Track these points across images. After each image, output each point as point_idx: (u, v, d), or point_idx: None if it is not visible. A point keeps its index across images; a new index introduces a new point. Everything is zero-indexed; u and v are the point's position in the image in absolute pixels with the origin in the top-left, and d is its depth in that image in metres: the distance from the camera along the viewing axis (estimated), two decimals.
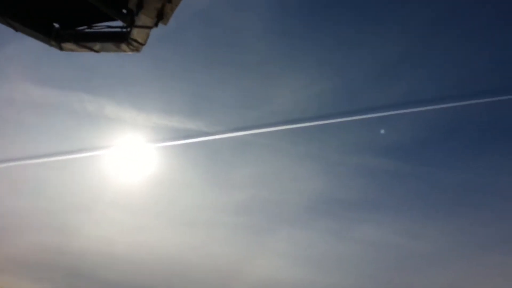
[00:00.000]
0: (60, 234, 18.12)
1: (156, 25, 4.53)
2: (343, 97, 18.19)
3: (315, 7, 17.71)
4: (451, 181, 16.04)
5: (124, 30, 5.00)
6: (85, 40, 5.23)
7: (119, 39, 5.03)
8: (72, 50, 5.36)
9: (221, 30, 17.09)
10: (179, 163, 18.93)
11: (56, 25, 5.33)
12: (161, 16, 4.46)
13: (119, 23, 4.99)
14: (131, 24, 4.78)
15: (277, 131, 18.28)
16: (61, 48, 5.31)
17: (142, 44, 4.96)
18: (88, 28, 5.29)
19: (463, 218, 15.34)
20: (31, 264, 17.93)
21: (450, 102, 16.07)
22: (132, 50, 5.10)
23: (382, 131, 16.57)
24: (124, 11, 4.78)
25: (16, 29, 5.05)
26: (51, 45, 5.34)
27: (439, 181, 16.21)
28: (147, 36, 4.86)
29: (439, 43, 17.17)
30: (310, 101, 18.29)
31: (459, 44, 17.02)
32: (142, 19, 4.57)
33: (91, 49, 5.21)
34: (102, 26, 5.21)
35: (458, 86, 16.61)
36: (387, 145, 17.30)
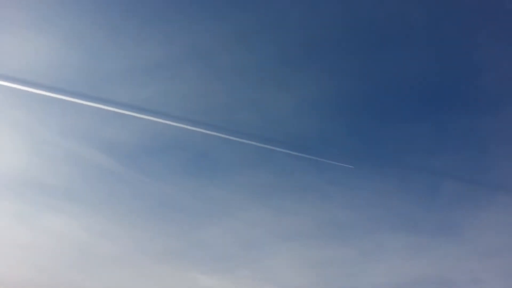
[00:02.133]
0: None
1: None
2: (94, 80, 16.86)
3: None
4: (154, 192, 16.99)
5: None
6: None
7: None
8: None
9: None
10: None
11: None
12: None
13: None
14: None
15: None
16: None
17: None
18: None
19: (151, 228, 16.38)
20: None
21: (180, 123, 17.21)
22: None
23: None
24: None
25: None
26: None
27: (143, 189, 16.93)
28: None
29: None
30: (55, 67, 16.13)
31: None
32: None
33: None
34: None
35: (195, 112, 18.02)
36: (109, 141, 16.84)
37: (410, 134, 19.88)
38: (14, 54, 16.23)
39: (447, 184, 19.30)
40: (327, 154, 18.80)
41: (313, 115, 19.81)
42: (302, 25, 19.44)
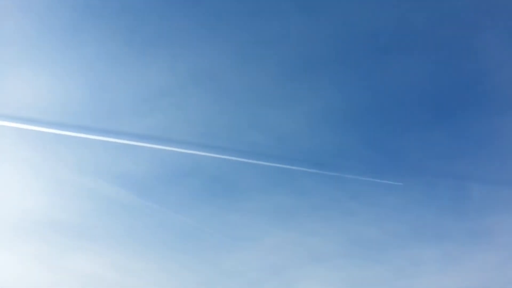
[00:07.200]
0: None
1: None
2: (100, 113, 16.60)
3: None
4: (173, 222, 16.62)
5: None
6: None
7: None
8: None
9: None
10: None
11: None
12: None
13: None
14: None
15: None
16: None
17: None
18: None
19: (176, 260, 16.00)
20: None
21: (191, 149, 16.90)
22: None
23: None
24: None
25: None
26: None
27: (161, 220, 16.53)
28: None
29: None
30: (56, 102, 15.92)
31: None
32: None
33: None
34: None
35: (205, 137, 17.67)
36: (122, 174, 16.45)
37: (427, 141, 19.43)
38: (14, 92, 16.01)
39: (472, 188, 18.71)
40: (346, 168, 18.31)
41: (324, 129, 19.43)
42: (303, 39, 19.12)
